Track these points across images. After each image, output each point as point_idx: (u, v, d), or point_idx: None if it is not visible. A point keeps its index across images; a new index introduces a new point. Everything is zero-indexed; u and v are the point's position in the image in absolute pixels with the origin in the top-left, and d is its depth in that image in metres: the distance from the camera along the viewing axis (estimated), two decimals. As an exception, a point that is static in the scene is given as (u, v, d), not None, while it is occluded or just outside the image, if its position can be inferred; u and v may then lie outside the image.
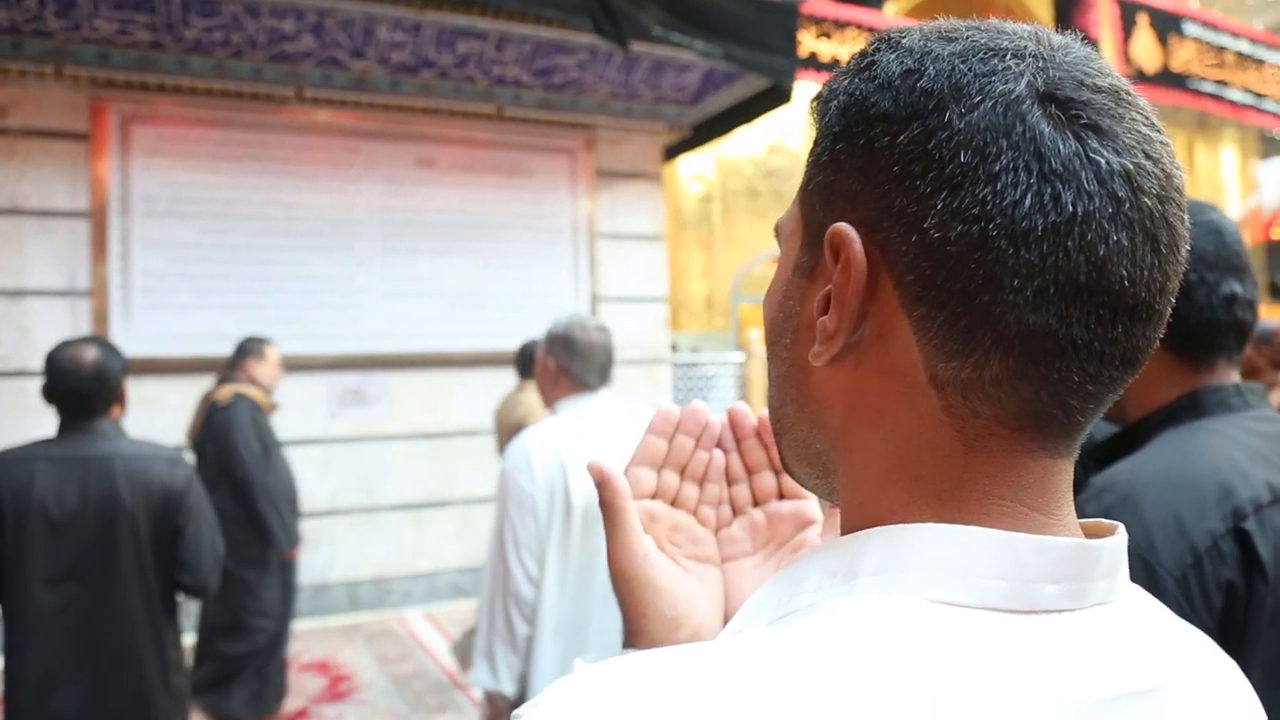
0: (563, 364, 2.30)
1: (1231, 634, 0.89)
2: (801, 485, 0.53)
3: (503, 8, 4.74)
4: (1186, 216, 0.41)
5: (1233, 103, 7.43)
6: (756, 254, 10.68)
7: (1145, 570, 0.90)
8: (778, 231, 0.51)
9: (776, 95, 5.76)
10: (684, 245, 10.17)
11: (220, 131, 5.19)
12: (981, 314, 0.39)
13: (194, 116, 5.13)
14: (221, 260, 5.17)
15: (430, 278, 5.67)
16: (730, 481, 0.65)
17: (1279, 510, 0.92)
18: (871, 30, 6.00)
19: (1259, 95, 7.62)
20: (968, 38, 0.42)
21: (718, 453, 0.64)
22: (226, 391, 3.90)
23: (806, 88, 5.96)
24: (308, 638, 4.98)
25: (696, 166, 10.12)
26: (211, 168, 5.16)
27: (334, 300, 5.42)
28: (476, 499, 5.73)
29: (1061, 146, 0.38)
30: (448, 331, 5.70)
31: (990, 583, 0.39)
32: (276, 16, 4.76)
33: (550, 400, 2.37)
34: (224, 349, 5.09)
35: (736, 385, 7.71)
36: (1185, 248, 0.41)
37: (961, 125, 0.39)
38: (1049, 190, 0.38)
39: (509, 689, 2.10)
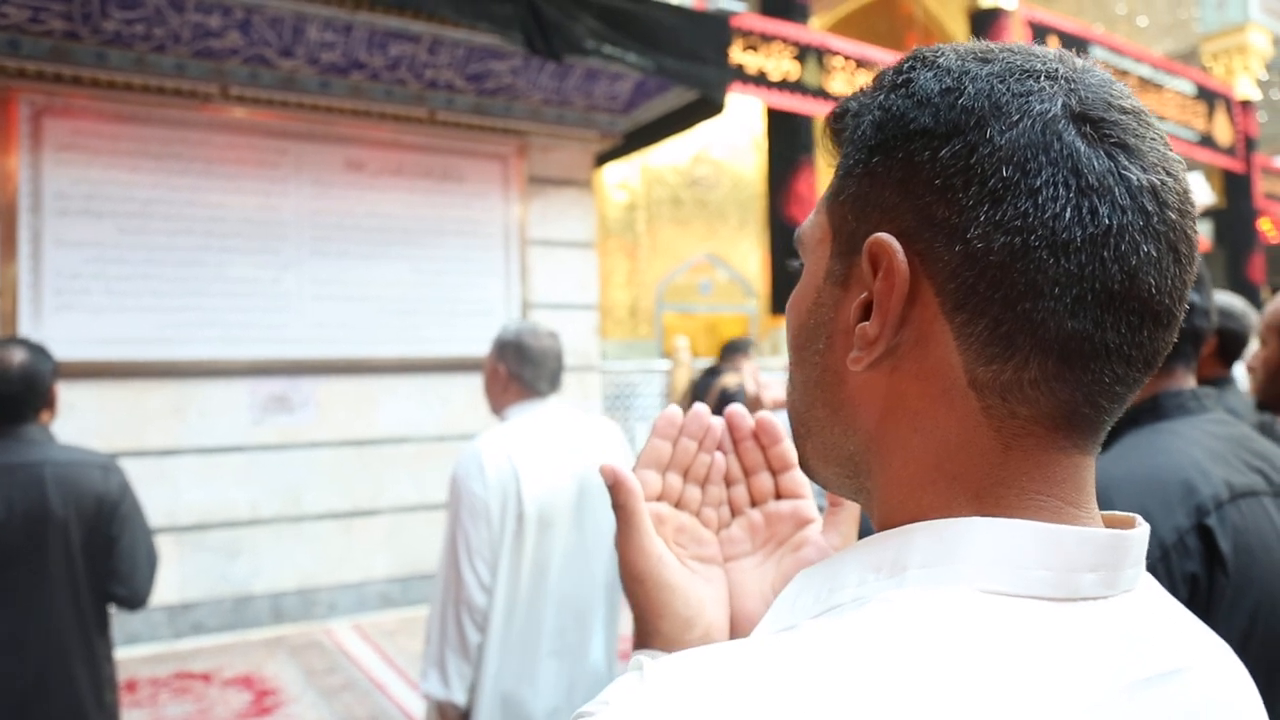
0: (514, 370, 2.29)
1: None
2: (824, 485, 0.54)
3: (435, 14, 4.70)
4: (1198, 227, 0.44)
5: (1135, 125, 7.79)
6: (680, 263, 10.77)
7: None
8: (800, 241, 0.52)
9: (708, 106, 5.83)
10: (609, 253, 10.20)
11: (140, 128, 5.00)
12: (1023, 320, 0.41)
13: (112, 111, 4.93)
14: (140, 261, 4.98)
15: (359, 282, 5.57)
16: (729, 483, 0.67)
17: (1237, 507, 0.98)
18: (797, 44, 6.12)
19: (1159, 118, 8.02)
20: (1003, 59, 0.45)
21: (718, 455, 0.66)
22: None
23: (735, 99, 6.06)
24: (230, 651, 4.83)
25: (621, 175, 10.18)
26: (131, 165, 4.97)
27: (258, 304, 5.27)
28: (406, 508, 5.64)
29: (1096, 163, 0.41)
30: (376, 337, 5.60)
31: (1037, 573, 0.41)
32: (202, 11, 4.62)
33: (500, 407, 2.36)
34: (142, 353, 4.94)
35: (662, 393, 7.76)
36: (1198, 258, 0.44)
37: (1003, 142, 0.41)
38: (1086, 204, 0.40)
39: (460, 698, 2.07)
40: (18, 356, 2.16)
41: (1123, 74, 7.76)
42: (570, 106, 6.06)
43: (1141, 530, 0.45)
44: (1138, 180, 0.41)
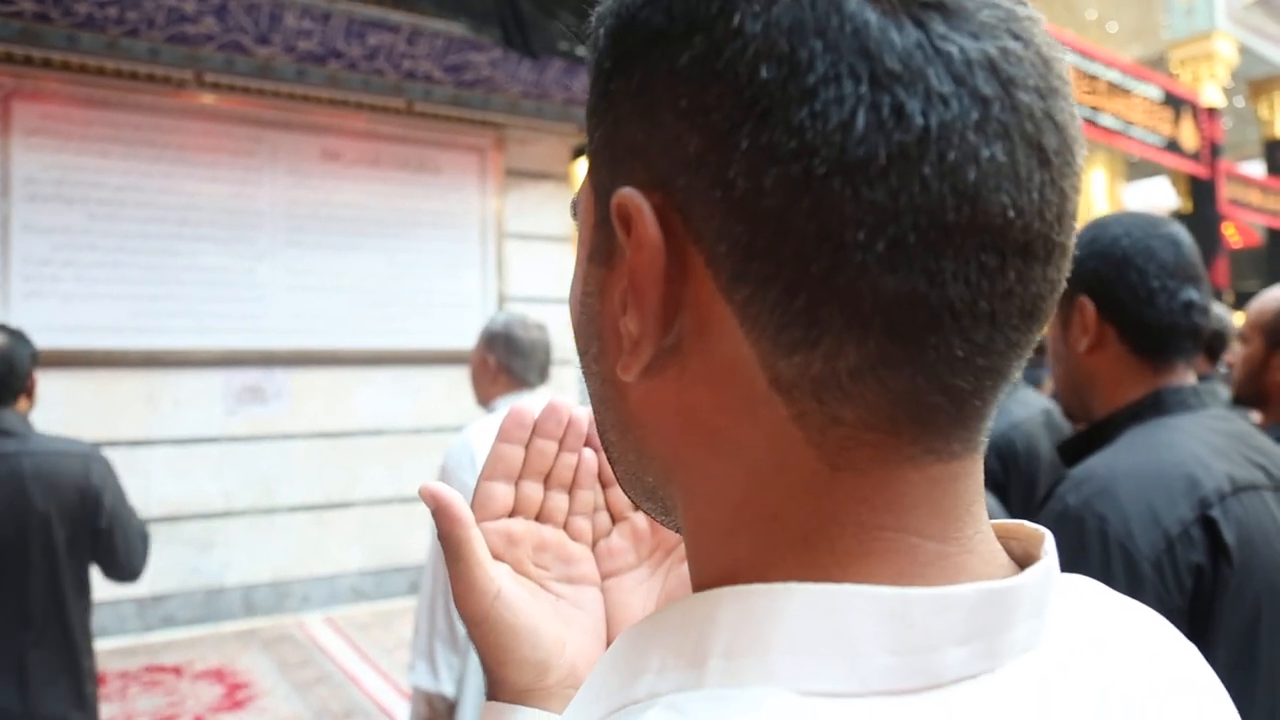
0: (503, 361, 2.29)
1: (1199, 613, 0.97)
2: (656, 521, 0.44)
3: (415, 8, 4.68)
4: (1077, 112, 0.32)
5: (1105, 128, 7.92)
6: (654, 258, 10.80)
7: (1124, 556, 0.97)
8: (574, 208, 0.41)
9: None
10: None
11: (112, 113, 4.93)
12: (822, 286, 0.29)
13: (83, 96, 4.85)
14: (111, 249, 4.91)
15: (334, 273, 5.52)
16: (605, 484, 0.55)
17: (1239, 500, 1.01)
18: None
19: (1127, 122, 8.15)
20: None
21: (588, 452, 0.54)
22: None
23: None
24: (201, 644, 4.78)
25: (597, 169, 10.15)
26: (102, 151, 4.89)
27: (232, 294, 5.21)
28: (379, 500, 5.61)
29: (897, 38, 0.28)
30: (351, 329, 5.56)
31: (879, 660, 0.29)
32: (177, -4, 4.56)
33: (487, 398, 2.36)
34: (114, 341, 4.86)
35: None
36: (1082, 154, 0.31)
37: (757, 29, 0.29)
38: (888, 100, 0.28)
39: (449, 690, 2.07)
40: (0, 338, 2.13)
41: (1093, 78, 7.88)
42: (549, 100, 6.05)
43: (1042, 566, 0.33)
44: (964, 53, 0.28)
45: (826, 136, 0.28)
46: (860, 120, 0.27)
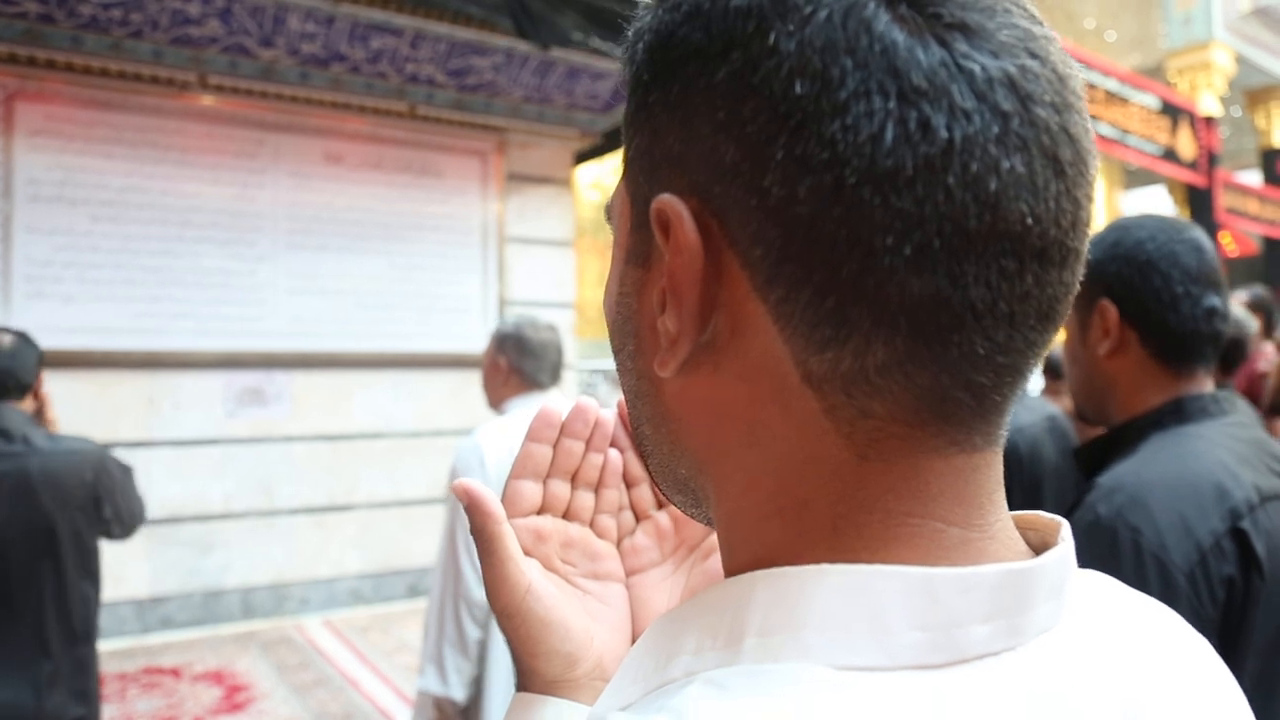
0: (514, 363, 2.29)
1: (1231, 625, 0.97)
2: (684, 514, 0.46)
3: (422, 3, 4.68)
4: (1090, 125, 0.34)
5: (1102, 136, 7.95)
6: (652, 264, 10.76)
7: (1159, 567, 0.96)
8: (609, 213, 0.43)
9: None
10: (581, 252, 10.19)
11: (115, 115, 4.92)
12: (852, 288, 0.31)
13: (87, 97, 4.84)
14: (113, 250, 4.90)
15: (335, 276, 5.52)
16: (630, 484, 0.57)
17: (1265, 511, 1.00)
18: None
19: (1124, 131, 8.18)
20: None
21: (613, 453, 0.56)
22: None
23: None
24: (199, 646, 4.76)
25: (595, 174, 10.17)
26: (105, 152, 4.89)
27: (234, 296, 5.20)
28: (379, 503, 5.60)
29: (923, 57, 0.30)
30: (352, 331, 5.55)
31: (907, 636, 0.31)
32: (181, -2, 4.56)
33: (499, 400, 2.36)
34: (115, 343, 4.85)
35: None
36: (1095, 164, 0.34)
37: (791, 47, 0.31)
38: (914, 115, 0.30)
39: (459, 694, 2.07)
40: (6, 339, 2.15)
41: (1090, 86, 7.91)
42: (551, 104, 6.05)
43: (1060, 552, 0.35)
44: (985, 71, 0.30)
45: (857, 148, 0.30)
46: (889, 133, 0.30)
